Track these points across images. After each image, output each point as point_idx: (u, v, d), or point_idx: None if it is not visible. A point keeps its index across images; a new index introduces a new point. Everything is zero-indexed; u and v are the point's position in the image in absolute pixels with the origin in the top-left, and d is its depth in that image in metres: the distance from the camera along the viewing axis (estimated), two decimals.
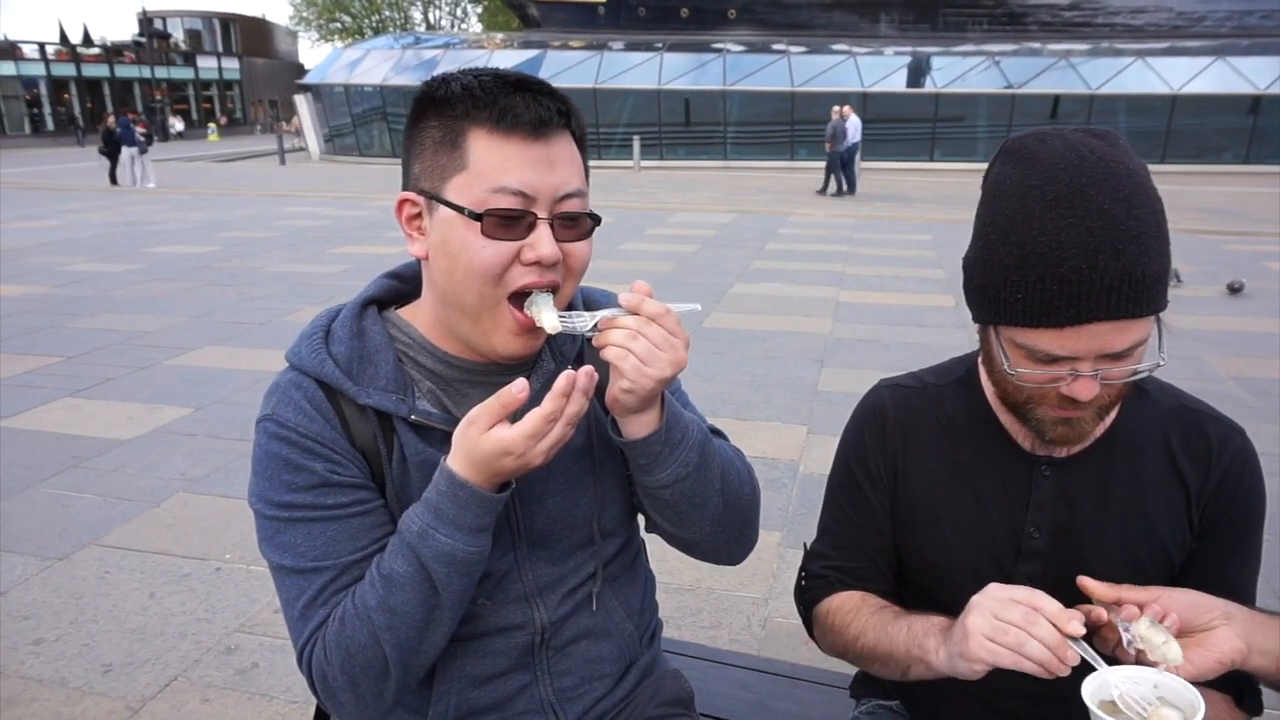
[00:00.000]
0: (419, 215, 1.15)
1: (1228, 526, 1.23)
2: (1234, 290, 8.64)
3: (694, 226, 13.97)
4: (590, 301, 1.30)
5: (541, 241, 1.10)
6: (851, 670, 1.65)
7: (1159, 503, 1.24)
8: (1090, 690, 0.98)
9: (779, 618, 3.24)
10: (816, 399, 5.68)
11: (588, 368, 1.06)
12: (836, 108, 19.54)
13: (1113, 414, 1.23)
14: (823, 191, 19.74)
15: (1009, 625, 1.01)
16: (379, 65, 30.02)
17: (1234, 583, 1.22)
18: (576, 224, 1.14)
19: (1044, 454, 1.25)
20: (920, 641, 1.18)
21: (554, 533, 1.28)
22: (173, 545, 3.77)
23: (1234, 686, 1.24)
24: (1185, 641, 1.04)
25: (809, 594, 1.41)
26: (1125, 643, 1.03)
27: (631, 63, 28.77)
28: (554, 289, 1.14)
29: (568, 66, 28.42)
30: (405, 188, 1.16)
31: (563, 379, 1.04)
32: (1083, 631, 1.00)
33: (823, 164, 20.36)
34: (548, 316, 1.11)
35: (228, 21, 65.53)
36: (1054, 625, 0.99)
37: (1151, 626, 1.03)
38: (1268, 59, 25.46)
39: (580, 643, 1.33)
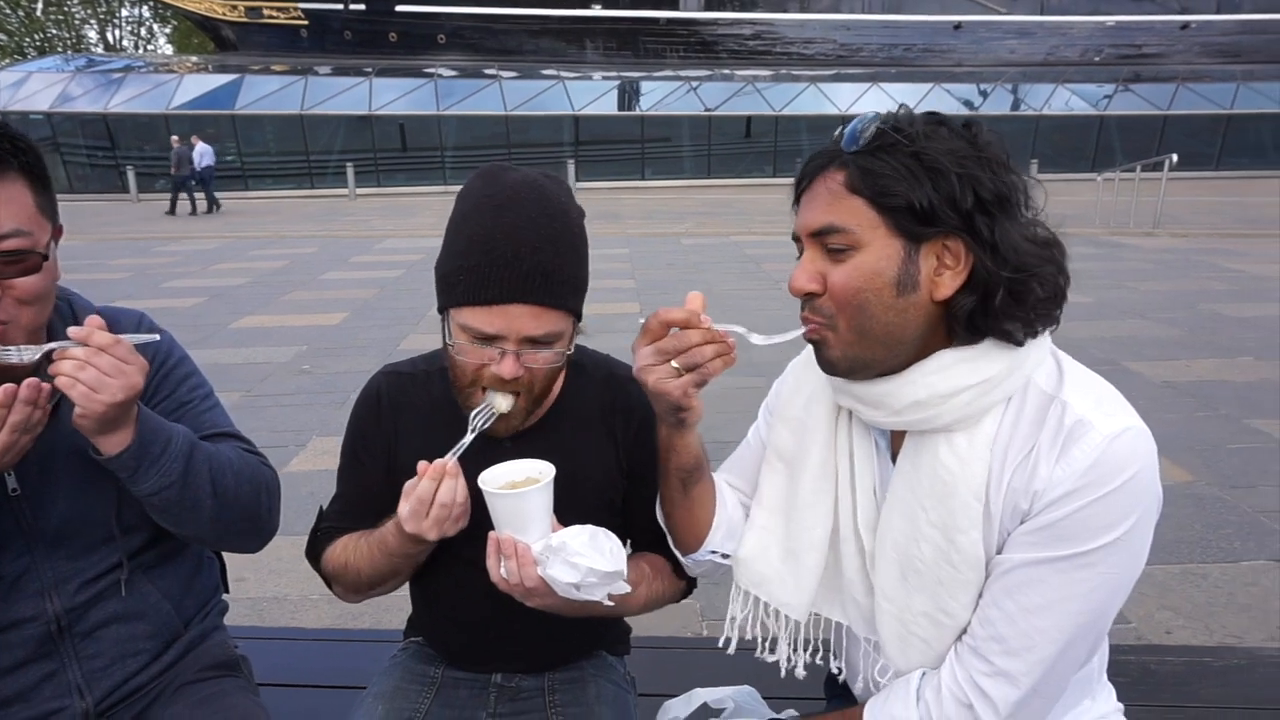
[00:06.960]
0: None
1: (649, 465, 1.44)
2: None
3: (402, 252, 13.82)
4: (112, 322, 1.32)
5: None
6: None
7: (597, 458, 1.52)
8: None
9: None
10: None
11: (31, 379, 1.19)
12: (176, 137, 20.32)
13: (555, 391, 1.49)
14: (172, 213, 19.88)
15: (422, 509, 1.26)
16: (47, 89, 26.79)
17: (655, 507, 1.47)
18: (19, 260, 1.23)
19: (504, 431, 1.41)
20: (395, 547, 1.38)
21: (71, 532, 1.40)
22: None
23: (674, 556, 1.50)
24: None
25: (317, 547, 1.58)
26: None
27: (339, 88, 27.89)
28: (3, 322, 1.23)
29: (270, 92, 27.09)
30: None
31: (0, 391, 1.17)
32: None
33: None
34: None
35: None
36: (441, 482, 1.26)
37: None
38: (912, 85, 29.47)
39: (110, 626, 1.45)
